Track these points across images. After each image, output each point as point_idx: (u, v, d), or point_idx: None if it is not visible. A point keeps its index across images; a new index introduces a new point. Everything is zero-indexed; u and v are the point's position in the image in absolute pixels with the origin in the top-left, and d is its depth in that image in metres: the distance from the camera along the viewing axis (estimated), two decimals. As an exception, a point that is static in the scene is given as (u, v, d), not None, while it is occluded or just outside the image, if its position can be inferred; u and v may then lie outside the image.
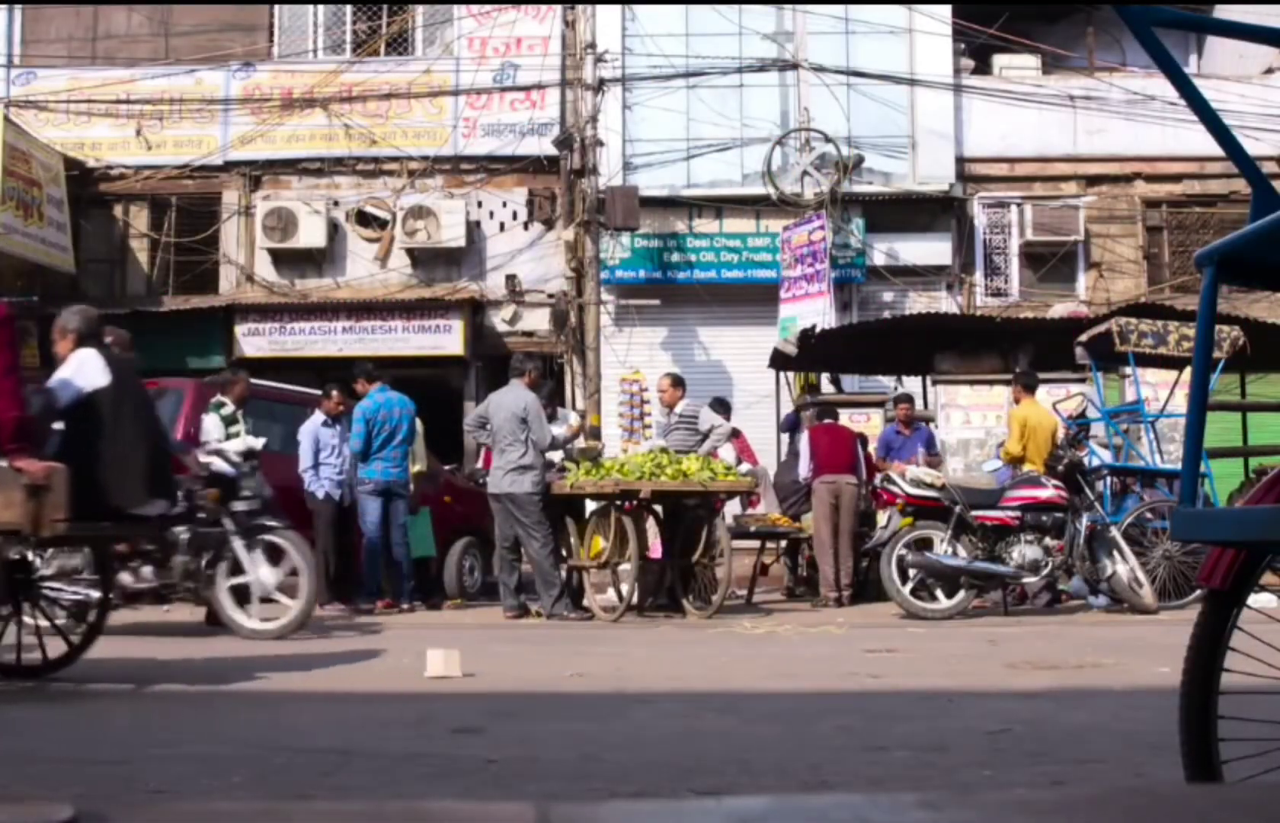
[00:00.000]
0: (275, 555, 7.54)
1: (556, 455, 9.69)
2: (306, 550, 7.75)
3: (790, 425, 13.00)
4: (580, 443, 10.60)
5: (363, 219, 16.74)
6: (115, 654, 6.87)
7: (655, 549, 10.16)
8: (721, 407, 11.48)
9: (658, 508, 9.81)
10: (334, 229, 16.53)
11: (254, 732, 4.12)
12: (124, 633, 8.42)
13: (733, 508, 11.04)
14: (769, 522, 11.20)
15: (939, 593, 9.05)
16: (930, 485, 9.30)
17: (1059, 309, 15.29)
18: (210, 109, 16.66)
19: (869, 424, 13.08)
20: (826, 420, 10.99)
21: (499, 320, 16.53)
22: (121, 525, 5.93)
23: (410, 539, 10.48)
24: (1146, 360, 11.09)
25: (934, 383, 13.58)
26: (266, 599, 7.54)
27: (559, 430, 9.88)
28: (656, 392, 11.40)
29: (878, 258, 16.29)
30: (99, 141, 16.68)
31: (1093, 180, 16.75)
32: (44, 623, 5.96)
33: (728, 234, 16.47)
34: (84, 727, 4.27)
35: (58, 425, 5.80)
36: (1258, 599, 2.20)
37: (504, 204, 16.69)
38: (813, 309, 14.66)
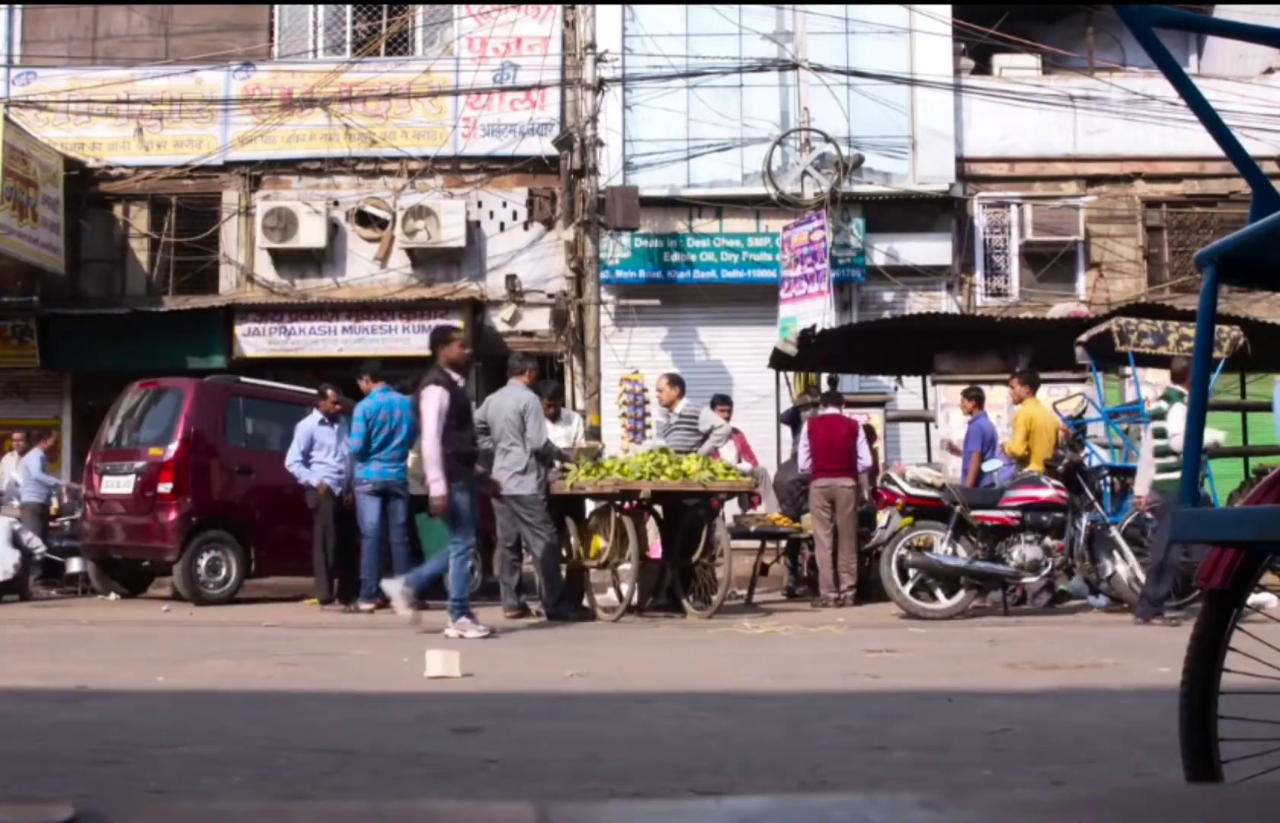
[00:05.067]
0: None
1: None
2: None
3: (790, 419, 12.98)
4: (582, 441, 10.59)
5: (363, 219, 16.74)
6: (127, 654, 6.88)
7: (655, 549, 10.16)
8: (723, 402, 11.49)
9: (658, 508, 9.81)
10: (334, 229, 16.53)
11: (254, 732, 4.12)
12: (126, 629, 8.43)
13: (732, 508, 11.02)
14: (769, 522, 11.19)
15: (939, 593, 9.05)
16: (930, 485, 9.30)
17: (1059, 309, 15.29)
18: (210, 109, 16.66)
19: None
20: (829, 409, 10.90)
21: (499, 320, 16.53)
22: None
23: (429, 542, 10.46)
24: (1146, 360, 11.08)
25: (934, 383, 13.57)
26: None
27: (556, 432, 9.86)
28: (655, 392, 11.40)
29: (878, 258, 16.29)
30: (99, 141, 16.69)
31: (1093, 180, 16.75)
32: None
33: (728, 234, 16.47)
34: (84, 727, 4.27)
35: None
36: (1257, 599, 2.20)
37: (504, 204, 16.69)
38: (813, 309, 14.65)
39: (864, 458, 10.67)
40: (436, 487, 7.76)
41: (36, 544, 12.48)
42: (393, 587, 7.91)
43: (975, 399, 11.25)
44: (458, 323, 8.68)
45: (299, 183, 16.78)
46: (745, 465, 10.97)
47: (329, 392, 10.78)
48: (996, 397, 12.48)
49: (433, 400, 7.84)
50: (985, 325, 13.74)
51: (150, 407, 11.87)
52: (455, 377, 8.17)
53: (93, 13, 17.22)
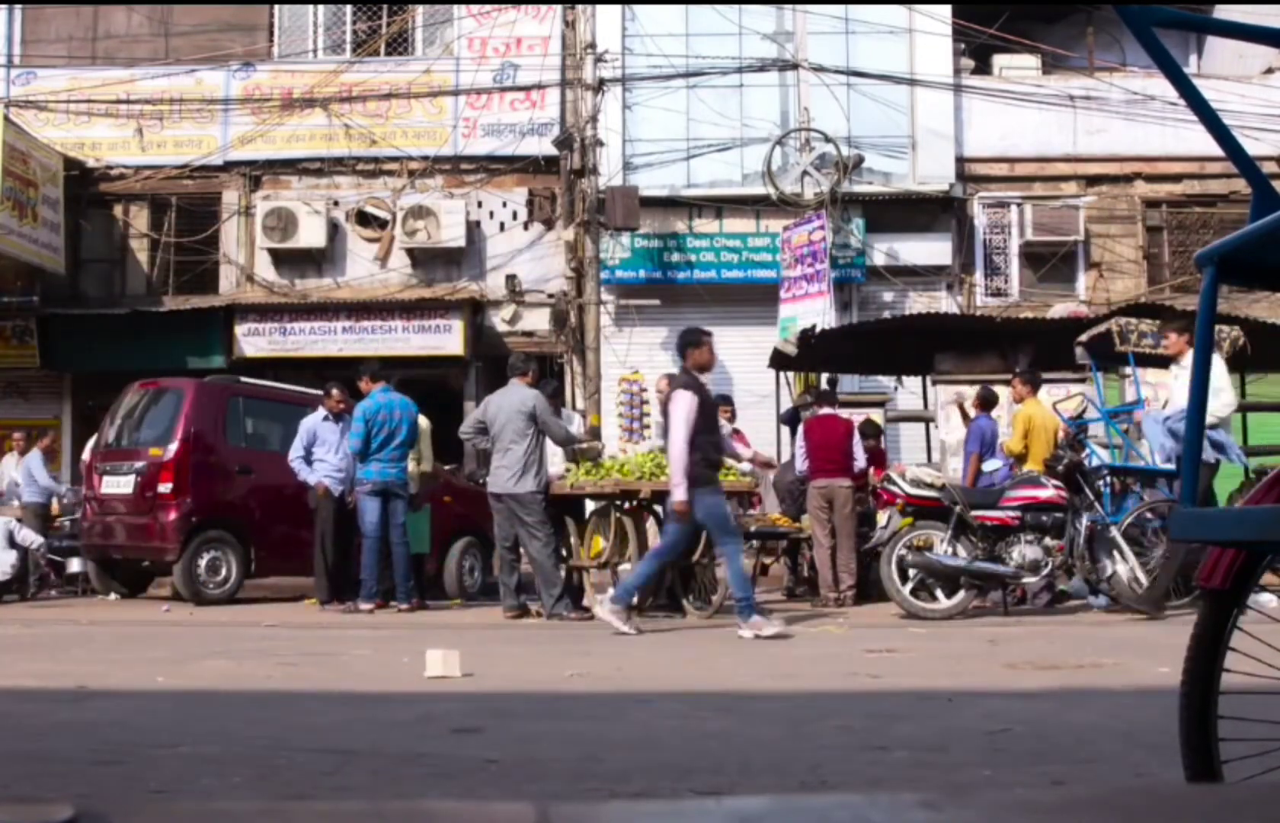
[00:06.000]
0: None
1: (556, 467, 9.64)
2: None
3: (789, 420, 12.98)
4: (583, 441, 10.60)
5: (363, 219, 16.74)
6: (127, 654, 6.88)
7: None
8: (725, 403, 11.49)
9: (658, 508, 9.81)
10: (334, 229, 16.54)
11: (254, 732, 4.12)
12: (126, 629, 8.43)
13: (732, 508, 11.01)
14: (769, 522, 11.19)
15: (939, 593, 9.04)
16: (930, 485, 9.30)
17: (1059, 309, 15.29)
18: (210, 109, 16.67)
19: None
20: (824, 409, 10.91)
21: (499, 320, 16.53)
22: None
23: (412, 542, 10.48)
24: (1146, 360, 11.08)
25: (934, 383, 13.57)
26: None
27: (574, 428, 9.89)
28: (655, 392, 11.39)
29: (878, 258, 16.30)
30: (99, 141, 16.69)
31: (1093, 180, 16.76)
32: None
33: (728, 234, 16.47)
34: (84, 727, 4.27)
35: None
36: (1257, 599, 2.20)
37: (504, 204, 16.70)
38: (813, 309, 14.66)
39: (859, 458, 10.68)
40: (678, 493, 7.61)
41: (35, 541, 12.48)
42: (603, 609, 7.73)
43: (981, 400, 11.25)
44: (707, 327, 8.49)
45: (299, 183, 16.79)
46: (745, 466, 10.96)
47: (334, 390, 10.78)
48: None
49: (683, 405, 7.65)
50: (985, 325, 13.74)
51: (150, 407, 11.87)
52: (703, 380, 8.01)
53: (93, 13, 17.23)
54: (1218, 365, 8.72)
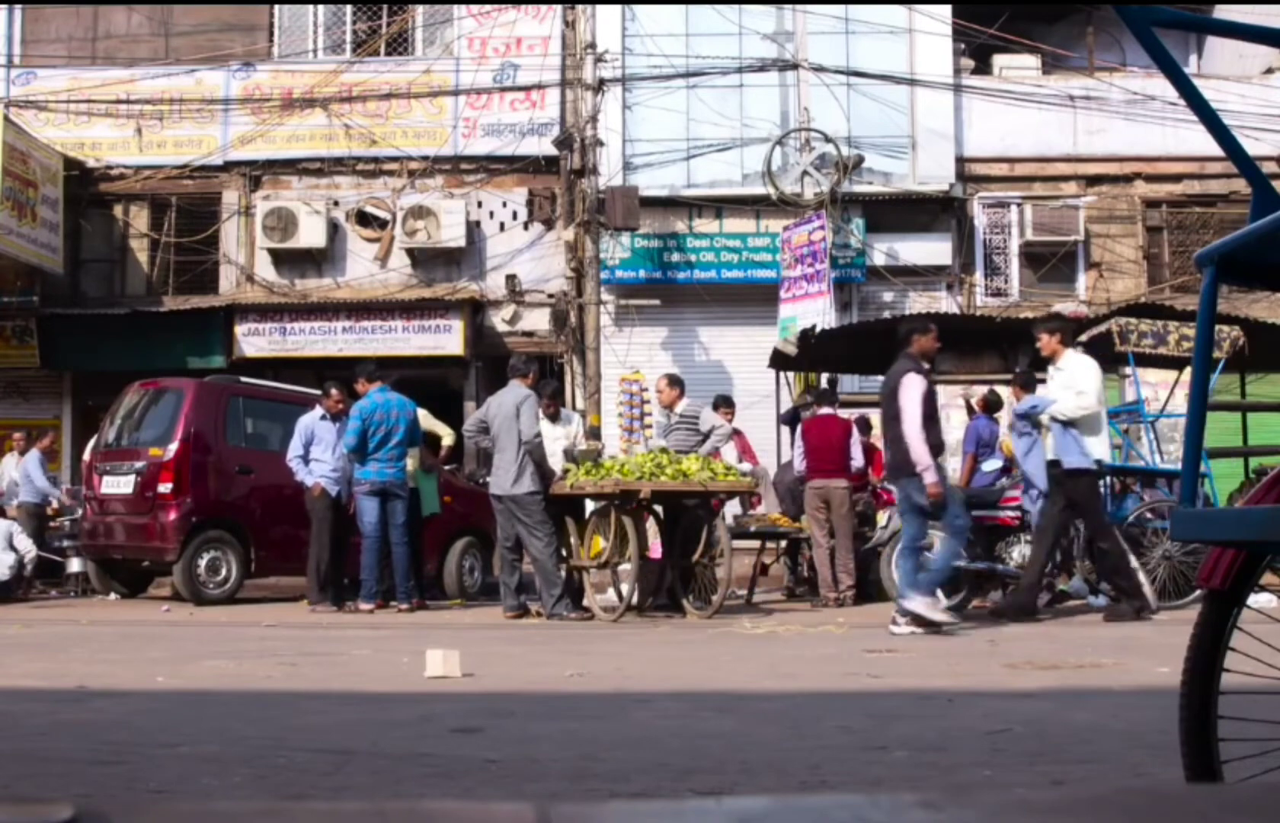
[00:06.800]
0: None
1: (558, 463, 9.65)
2: None
3: (790, 420, 12.99)
4: (581, 442, 10.60)
5: (363, 219, 16.74)
6: (127, 654, 6.88)
7: (655, 549, 10.15)
8: (726, 404, 11.49)
9: (658, 508, 9.81)
10: (334, 229, 16.54)
11: (254, 732, 4.12)
12: (126, 629, 8.44)
13: (733, 508, 11.02)
14: (769, 522, 11.19)
15: (939, 593, 9.04)
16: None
17: (1059, 309, 15.29)
18: (210, 109, 16.67)
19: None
20: (823, 409, 10.92)
21: (499, 320, 16.53)
22: None
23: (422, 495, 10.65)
24: (1146, 360, 11.08)
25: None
26: None
27: (556, 431, 9.89)
28: (655, 393, 11.39)
29: (878, 258, 16.30)
30: (99, 141, 16.69)
31: (1093, 180, 16.76)
32: None
33: (728, 234, 16.47)
34: (84, 727, 4.27)
35: None
36: (1257, 599, 2.20)
37: (504, 204, 16.70)
38: (813, 309, 14.66)
39: (857, 458, 10.68)
40: (929, 476, 7.64)
41: (28, 549, 12.45)
42: (915, 603, 7.66)
43: (985, 402, 11.25)
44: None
45: (299, 183, 16.79)
46: (746, 466, 10.97)
47: (333, 390, 10.78)
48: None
49: (915, 389, 7.67)
50: (985, 325, 13.74)
51: (150, 407, 11.87)
52: (926, 367, 8.00)
53: (93, 13, 17.23)
54: (1087, 366, 8.54)
